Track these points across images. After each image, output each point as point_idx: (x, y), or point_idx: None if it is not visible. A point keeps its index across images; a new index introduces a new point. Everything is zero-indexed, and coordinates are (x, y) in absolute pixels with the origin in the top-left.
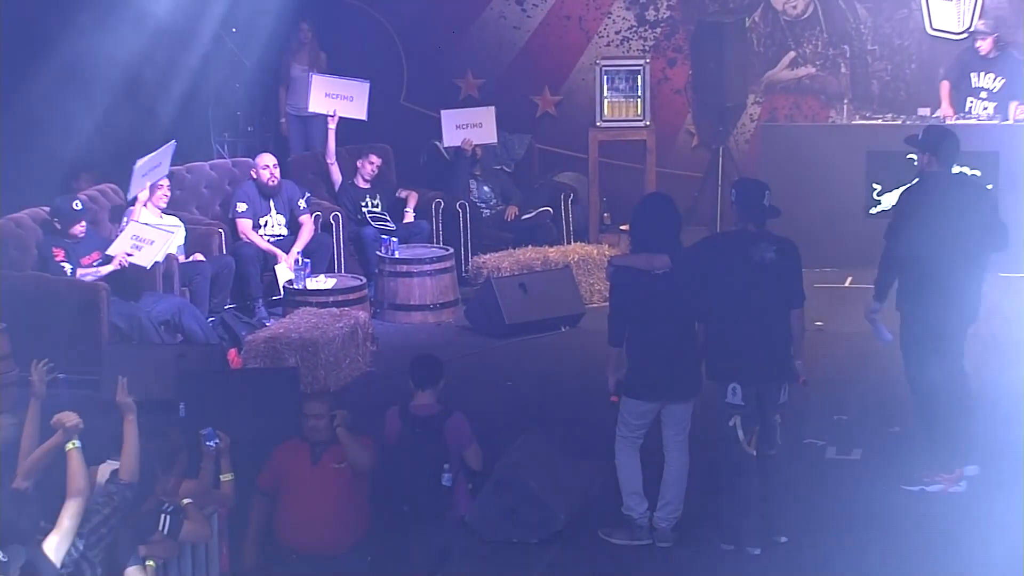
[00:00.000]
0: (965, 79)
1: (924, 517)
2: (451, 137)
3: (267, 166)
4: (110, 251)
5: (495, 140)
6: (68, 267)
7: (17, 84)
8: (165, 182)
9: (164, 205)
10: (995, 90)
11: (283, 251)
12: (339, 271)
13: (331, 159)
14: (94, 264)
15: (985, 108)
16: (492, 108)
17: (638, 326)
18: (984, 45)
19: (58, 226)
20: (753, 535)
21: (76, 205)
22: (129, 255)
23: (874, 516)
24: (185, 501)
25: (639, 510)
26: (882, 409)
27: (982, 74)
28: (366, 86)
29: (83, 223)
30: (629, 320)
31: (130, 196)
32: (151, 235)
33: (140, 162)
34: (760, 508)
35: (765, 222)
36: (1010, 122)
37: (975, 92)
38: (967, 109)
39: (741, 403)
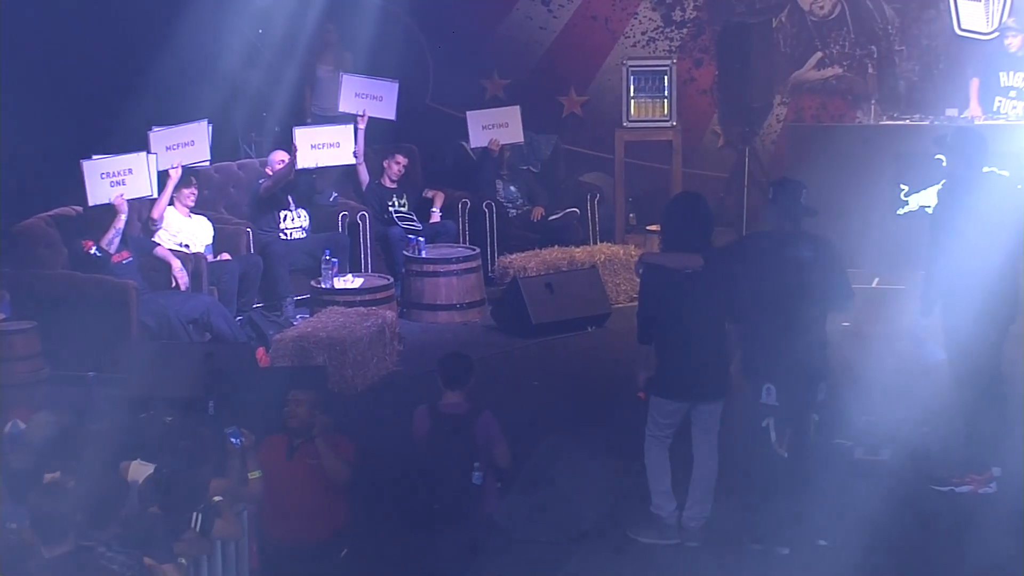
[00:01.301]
0: (994, 78)
1: (953, 518)
2: (478, 138)
3: (282, 161)
4: (96, 202)
5: (521, 139)
6: (94, 248)
7: (45, 83)
8: (193, 181)
9: (192, 204)
10: None
11: (304, 250)
12: (366, 271)
13: (359, 159)
14: (123, 262)
15: (1015, 107)
16: (517, 107)
17: (667, 325)
18: (1014, 42)
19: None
20: (782, 535)
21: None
22: (123, 196)
23: (902, 516)
24: (216, 499)
25: (668, 509)
26: (910, 409)
27: (1011, 73)
28: (395, 86)
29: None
30: (658, 318)
31: (159, 168)
32: (118, 165)
33: (158, 130)
34: (793, 508)
35: (801, 221)
36: None
37: (1004, 91)
38: (996, 108)
39: (775, 403)
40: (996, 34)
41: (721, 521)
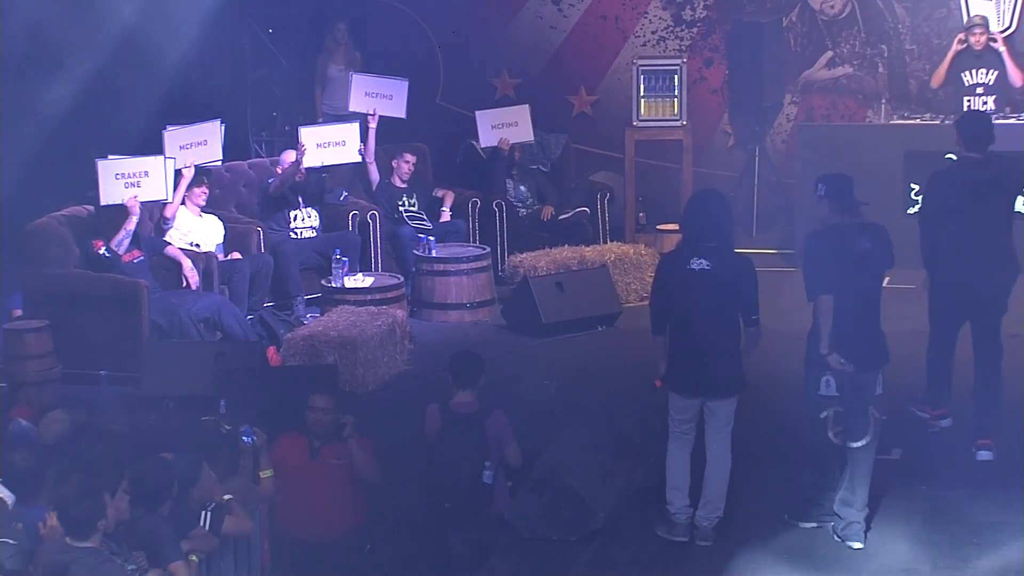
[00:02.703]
0: (957, 81)
1: (962, 514)
2: (487, 137)
3: (292, 162)
4: (109, 202)
5: (531, 138)
6: (104, 248)
7: (58, 81)
8: (204, 180)
9: (203, 203)
10: (991, 83)
11: (314, 249)
12: (376, 270)
13: (370, 158)
14: (135, 261)
15: (985, 103)
16: (526, 106)
17: (677, 321)
18: (980, 40)
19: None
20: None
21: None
22: (136, 198)
23: (913, 515)
24: (227, 497)
25: (677, 505)
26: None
27: (974, 71)
28: (405, 84)
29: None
30: (668, 312)
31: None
32: (135, 167)
33: (172, 129)
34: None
35: (858, 212)
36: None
37: (971, 90)
38: (967, 109)
39: (836, 394)
40: (1012, 29)
41: (734, 521)
